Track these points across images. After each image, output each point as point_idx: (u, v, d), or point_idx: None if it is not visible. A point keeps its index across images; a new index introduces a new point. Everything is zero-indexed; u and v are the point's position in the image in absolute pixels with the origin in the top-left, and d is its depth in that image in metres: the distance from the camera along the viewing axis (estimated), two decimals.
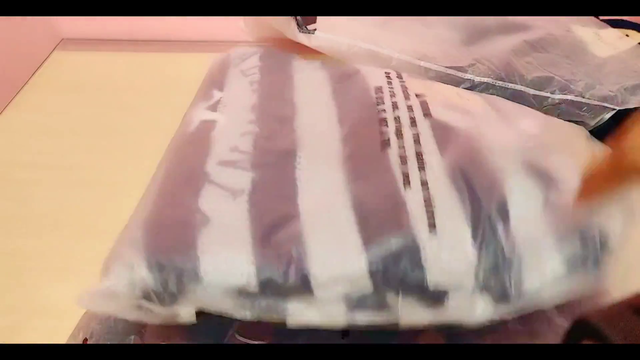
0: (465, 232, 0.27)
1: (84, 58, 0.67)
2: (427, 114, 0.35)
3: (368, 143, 0.34)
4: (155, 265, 0.27)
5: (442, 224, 0.28)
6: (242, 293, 0.27)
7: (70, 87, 0.61)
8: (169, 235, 0.28)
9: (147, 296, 0.27)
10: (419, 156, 0.32)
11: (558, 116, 0.41)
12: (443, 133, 0.34)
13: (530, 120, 0.37)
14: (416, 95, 0.36)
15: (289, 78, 0.42)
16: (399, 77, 0.39)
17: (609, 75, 0.42)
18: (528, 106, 0.41)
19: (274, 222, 0.29)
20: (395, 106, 0.36)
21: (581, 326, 0.18)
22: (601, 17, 0.52)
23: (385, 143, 0.33)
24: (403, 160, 0.32)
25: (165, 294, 0.27)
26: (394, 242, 0.27)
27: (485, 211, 0.28)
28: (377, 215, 0.28)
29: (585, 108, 0.41)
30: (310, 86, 0.40)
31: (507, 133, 0.35)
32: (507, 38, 0.45)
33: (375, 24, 0.44)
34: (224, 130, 0.36)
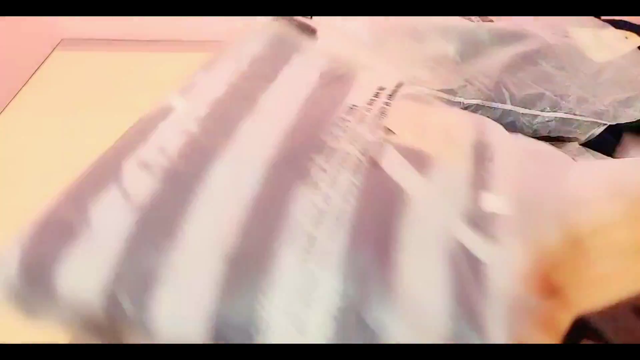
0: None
1: (84, 58, 0.67)
2: (374, 163, 0.31)
3: (288, 177, 0.30)
4: (24, 268, 0.25)
5: None
6: (90, 319, 0.25)
7: (70, 87, 0.61)
8: (45, 237, 0.27)
9: (11, 298, 0.26)
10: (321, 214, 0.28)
11: (549, 133, 0.41)
12: (369, 198, 0.29)
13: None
14: (385, 130, 0.33)
15: (272, 72, 0.38)
16: (393, 93, 0.37)
17: (604, 85, 0.43)
18: (518, 125, 0.41)
19: (142, 252, 0.26)
20: (352, 140, 0.33)
21: (581, 326, 0.18)
22: (602, 18, 0.52)
23: (304, 182, 0.30)
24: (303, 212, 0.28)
25: (26, 302, 0.25)
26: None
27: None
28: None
29: (575, 124, 0.41)
30: (288, 86, 0.38)
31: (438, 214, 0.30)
32: (501, 51, 0.45)
33: (369, 45, 0.44)
34: (170, 124, 0.33)
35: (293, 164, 0.30)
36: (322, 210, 0.28)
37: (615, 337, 0.16)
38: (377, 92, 0.37)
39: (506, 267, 0.26)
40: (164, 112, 0.34)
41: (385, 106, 0.36)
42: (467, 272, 0.26)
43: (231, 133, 0.32)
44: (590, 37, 0.46)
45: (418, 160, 0.31)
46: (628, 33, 0.48)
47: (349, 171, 0.30)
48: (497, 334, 0.25)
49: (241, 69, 0.38)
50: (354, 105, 0.35)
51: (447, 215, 0.29)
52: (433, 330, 0.25)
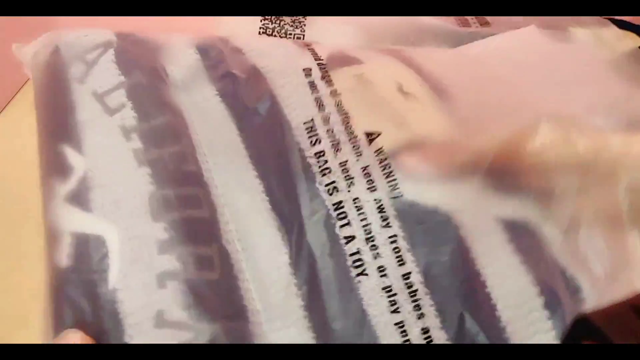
0: None
1: None
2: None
3: None
4: None
5: None
6: None
7: None
8: None
9: None
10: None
11: None
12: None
13: None
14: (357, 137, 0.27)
15: (176, 113, 0.28)
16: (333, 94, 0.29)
17: None
18: None
19: None
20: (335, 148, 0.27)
21: (581, 326, 0.18)
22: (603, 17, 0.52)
23: None
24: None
25: None
26: None
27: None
28: None
29: None
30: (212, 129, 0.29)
31: None
32: None
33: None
34: (125, 272, 0.24)
35: None
36: None
37: (615, 337, 0.16)
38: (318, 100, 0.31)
39: None
40: (94, 248, 0.27)
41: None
42: None
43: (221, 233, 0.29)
44: (590, 37, 0.46)
45: None
46: (628, 33, 0.48)
47: None
48: None
49: (130, 123, 0.28)
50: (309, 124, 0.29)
51: None
52: None
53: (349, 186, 0.27)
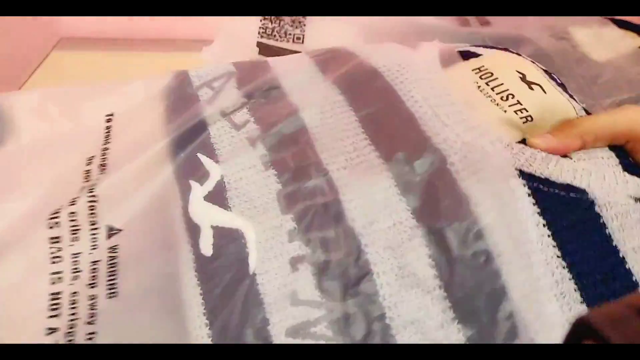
0: None
1: (83, 57, 0.67)
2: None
3: None
4: None
5: None
6: None
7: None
8: None
9: None
10: None
11: None
12: None
13: None
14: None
15: (292, 117, 0.33)
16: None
17: (602, 87, 0.43)
18: None
19: None
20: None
21: (582, 326, 0.18)
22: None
23: None
24: None
25: None
26: None
27: None
28: None
29: None
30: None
31: None
32: None
33: None
34: (263, 257, 0.27)
35: None
36: None
37: (616, 337, 0.16)
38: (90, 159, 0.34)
39: None
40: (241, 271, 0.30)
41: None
42: None
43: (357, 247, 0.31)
44: (590, 36, 0.46)
45: None
46: (629, 33, 0.48)
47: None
48: None
49: (255, 134, 0.34)
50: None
51: None
52: None
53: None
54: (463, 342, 0.25)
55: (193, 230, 0.28)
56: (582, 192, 0.29)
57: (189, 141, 0.32)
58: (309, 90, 0.34)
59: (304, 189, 0.29)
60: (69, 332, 0.25)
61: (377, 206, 0.29)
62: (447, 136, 0.30)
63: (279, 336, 0.25)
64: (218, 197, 0.29)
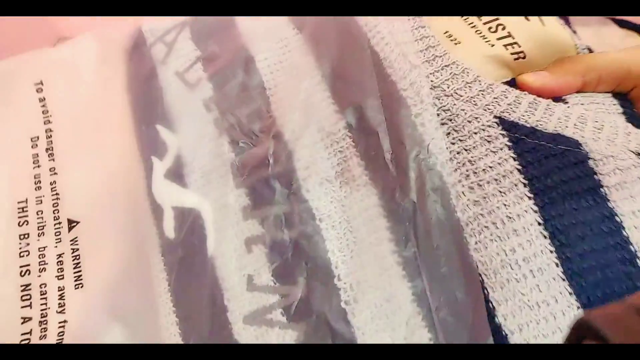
0: None
1: None
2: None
3: None
4: None
5: None
6: None
7: None
8: None
9: None
10: None
11: None
12: None
13: None
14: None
15: (250, 72, 0.29)
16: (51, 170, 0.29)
17: None
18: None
19: None
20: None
21: (582, 327, 0.18)
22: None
23: None
24: None
25: None
26: None
27: None
28: None
29: None
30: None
31: None
32: None
33: None
34: (221, 238, 0.26)
35: None
36: None
37: (617, 338, 0.16)
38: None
39: None
40: (193, 225, 0.30)
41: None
42: None
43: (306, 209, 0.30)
44: (591, 36, 0.46)
45: None
46: (630, 32, 0.48)
47: None
48: None
49: (208, 94, 0.31)
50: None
51: None
52: None
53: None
54: (423, 319, 0.24)
55: (157, 211, 0.27)
56: (575, 143, 0.25)
57: (149, 111, 0.30)
58: (266, 33, 0.31)
59: (257, 156, 0.27)
60: (42, 321, 0.26)
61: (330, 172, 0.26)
62: (414, 80, 0.27)
63: (236, 323, 0.25)
64: (177, 173, 0.28)
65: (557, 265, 0.24)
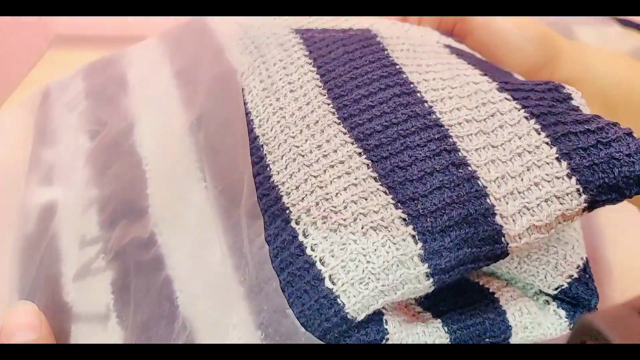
0: None
1: (78, 56, 0.67)
2: None
3: None
4: None
5: None
6: None
7: None
8: None
9: None
10: None
11: None
12: None
13: None
14: None
15: (121, 87, 0.32)
16: None
17: None
18: None
19: None
20: None
21: (583, 327, 0.18)
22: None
23: None
24: None
25: None
26: None
27: None
28: None
29: None
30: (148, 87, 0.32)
31: None
32: None
33: None
34: (66, 214, 0.27)
35: None
36: None
37: (617, 338, 0.16)
38: None
39: None
40: (46, 214, 0.30)
41: None
42: None
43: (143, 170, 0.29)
44: (593, 36, 0.46)
45: None
46: (631, 32, 0.48)
47: None
48: None
49: (82, 108, 0.33)
50: None
51: None
52: None
53: None
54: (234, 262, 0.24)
55: (23, 216, 0.28)
56: (366, 30, 0.29)
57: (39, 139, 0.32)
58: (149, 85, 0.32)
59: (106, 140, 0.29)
60: None
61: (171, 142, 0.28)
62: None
63: (67, 285, 0.25)
64: (47, 177, 0.29)
65: (332, 114, 0.24)
